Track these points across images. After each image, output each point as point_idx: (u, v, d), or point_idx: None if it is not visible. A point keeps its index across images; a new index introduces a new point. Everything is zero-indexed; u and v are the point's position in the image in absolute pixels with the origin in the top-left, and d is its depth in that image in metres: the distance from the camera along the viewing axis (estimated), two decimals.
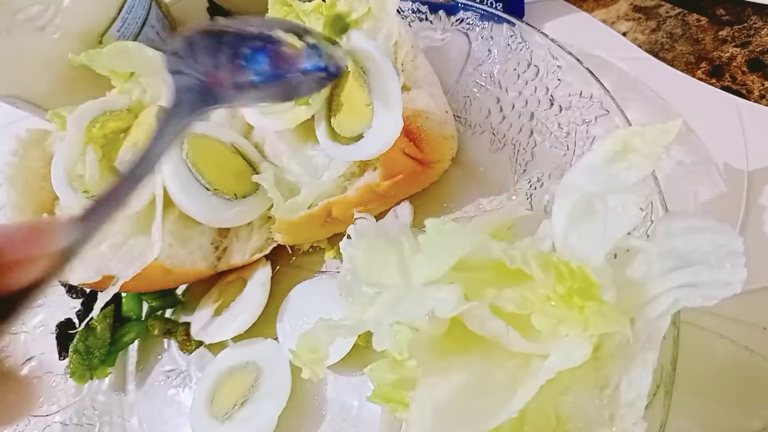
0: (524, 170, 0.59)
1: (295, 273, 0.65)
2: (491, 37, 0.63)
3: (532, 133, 0.59)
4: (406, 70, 0.56)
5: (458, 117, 0.64)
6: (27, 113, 0.77)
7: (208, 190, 0.59)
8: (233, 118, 0.68)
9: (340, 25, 0.56)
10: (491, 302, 0.36)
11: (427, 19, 0.68)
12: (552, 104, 0.58)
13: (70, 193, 0.60)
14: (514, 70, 0.61)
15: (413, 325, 0.42)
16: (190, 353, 0.64)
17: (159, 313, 0.69)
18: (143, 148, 0.40)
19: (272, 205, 0.60)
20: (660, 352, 0.33)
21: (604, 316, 0.34)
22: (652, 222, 0.46)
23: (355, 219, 0.49)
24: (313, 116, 0.57)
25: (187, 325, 0.65)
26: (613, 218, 0.36)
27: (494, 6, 0.67)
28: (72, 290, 0.69)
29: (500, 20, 0.62)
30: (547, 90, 0.58)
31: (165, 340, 0.67)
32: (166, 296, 0.68)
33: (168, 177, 0.58)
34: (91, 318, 0.67)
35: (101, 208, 0.36)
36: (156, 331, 0.65)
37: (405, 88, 0.55)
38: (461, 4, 0.65)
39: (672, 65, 0.63)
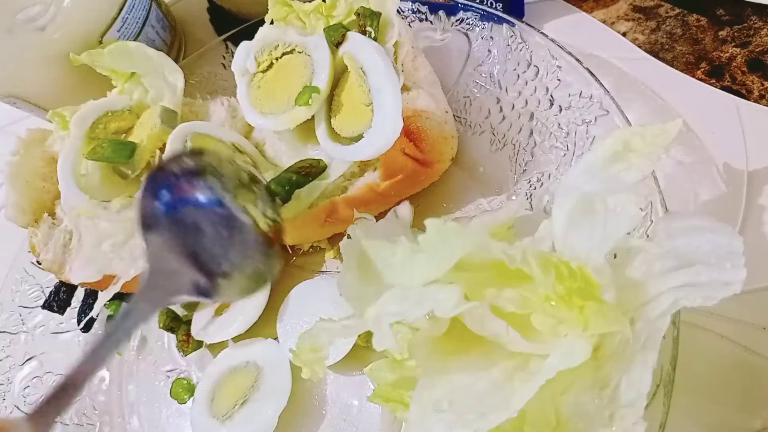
0: (524, 170, 0.59)
1: (295, 273, 0.65)
2: (491, 37, 0.64)
3: (532, 133, 0.59)
4: (406, 70, 0.56)
5: (458, 117, 0.64)
6: (27, 113, 0.77)
7: None
8: (233, 119, 0.68)
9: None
10: (491, 302, 0.36)
11: (427, 19, 0.68)
12: (552, 104, 0.58)
13: (79, 194, 0.60)
14: (514, 70, 0.61)
15: (413, 325, 0.42)
16: (187, 355, 0.64)
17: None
18: (106, 332, 0.38)
19: None
20: (660, 352, 0.33)
21: (604, 316, 0.34)
22: (652, 222, 0.46)
23: (355, 219, 0.49)
24: (313, 116, 0.57)
25: (188, 324, 0.65)
26: (613, 218, 0.36)
27: (494, 6, 0.67)
28: (51, 305, 0.68)
29: (500, 20, 0.62)
30: (547, 90, 0.58)
31: (165, 341, 0.67)
32: None
33: None
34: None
35: (59, 398, 0.34)
36: (161, 324, 0.65)
37: (405, 88, 0.55)
38: (461, 4, 0.65)
39: (672, 65, 0.63)
